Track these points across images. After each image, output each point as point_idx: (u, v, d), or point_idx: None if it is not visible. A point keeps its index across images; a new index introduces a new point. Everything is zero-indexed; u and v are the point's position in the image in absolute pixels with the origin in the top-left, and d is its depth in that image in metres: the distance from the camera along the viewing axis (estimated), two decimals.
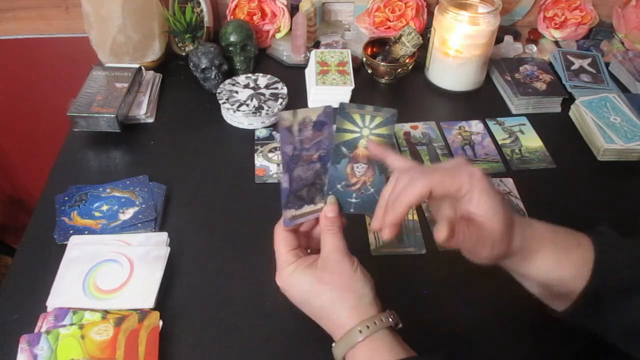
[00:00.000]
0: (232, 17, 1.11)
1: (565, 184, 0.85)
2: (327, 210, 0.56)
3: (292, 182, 0.55)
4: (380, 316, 0.52)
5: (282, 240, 0.57)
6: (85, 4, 0.97)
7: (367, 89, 1.04)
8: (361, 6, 1.15)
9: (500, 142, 0.92)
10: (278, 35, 1.12)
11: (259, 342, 0.63)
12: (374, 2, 1.12)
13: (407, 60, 1.03)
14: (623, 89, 1.04)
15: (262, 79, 0.98)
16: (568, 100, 0.99)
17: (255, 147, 0.89)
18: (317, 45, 1.13)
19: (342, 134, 0.55)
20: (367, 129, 0.56)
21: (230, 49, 1.03)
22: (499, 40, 1.09)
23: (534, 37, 1.17)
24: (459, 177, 0.50)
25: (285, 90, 0.96)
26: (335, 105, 0.56)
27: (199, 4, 1.06)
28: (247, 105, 0.92)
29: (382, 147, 0.56)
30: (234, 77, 0.98)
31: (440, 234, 0.49)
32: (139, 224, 0.74)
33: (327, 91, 0.96)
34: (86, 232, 0.73)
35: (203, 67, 0.97)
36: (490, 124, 0.96)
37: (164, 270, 0.69)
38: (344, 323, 0.52)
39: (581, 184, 0.85)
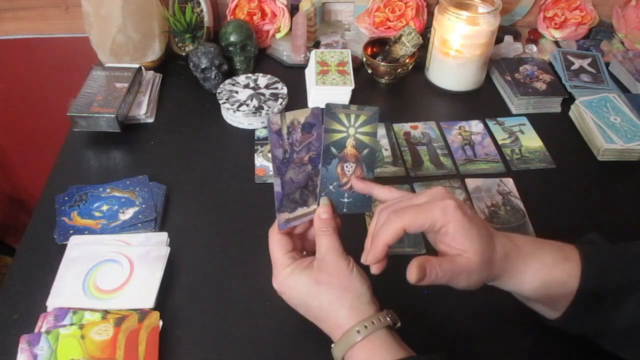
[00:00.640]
0: (232, 17, 1.11)
1: (565, 184, 0.85)
2: (321, 211, 0.56)
3: (285, 185, 0.55)
4: (379, 316, 0.52)
5: (277, 244, 0.57)
6: (85, 4, 0.97)
7: (367, 89, 1.04)
8: (361, 6, 1.15)
9: (500, 142, 0.92)
10: (278, 35, 1.12)
11: (259, 342, 0.63)
12: (374, 2, 1.12)
13: (407, 60, 1.03)
14: (623, 89, 1.04)
15: (262, 79, 0.98)
16: (568, 100, 0.99)
17: (255, 147, 0.89)
18: (317, 45, 1.13)
19: (330, 134, 0.55)
20: (353, 128, 0.56)
21: (230, 49, 1.03)
22: (499, 40, 1.09)
23: (534, 37, 1.17)
24: (431, 212, 0.51)
25: (285, 90, 0.96)
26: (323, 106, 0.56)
27: (199, 4, 1.06)
28: (247, 105, 0.92)
29: (366, 183, 0.57)
30: (234, 77, 0.98)
31: (411, 275, 0.50)
32: (139, 224, 0.74)
33: (327, 91, 0.96)
34: (86, 232, 0.73)
35: (203, 67, 0.97)
36: (490, 124, 0.96)
37: (164, 270, 0.69)
38: (342, 323, 0.52)
39: (581, 184, 0.85)
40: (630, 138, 0.88)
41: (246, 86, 0.97)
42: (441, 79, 1.04)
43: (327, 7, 1.17)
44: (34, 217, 0.78)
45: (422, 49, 1.04)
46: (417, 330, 0.54)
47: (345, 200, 0.57)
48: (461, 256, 0.50)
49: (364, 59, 1.04)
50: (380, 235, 0.52)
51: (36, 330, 0.62)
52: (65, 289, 0.66)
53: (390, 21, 1.13)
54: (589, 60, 1.07)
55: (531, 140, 0.92)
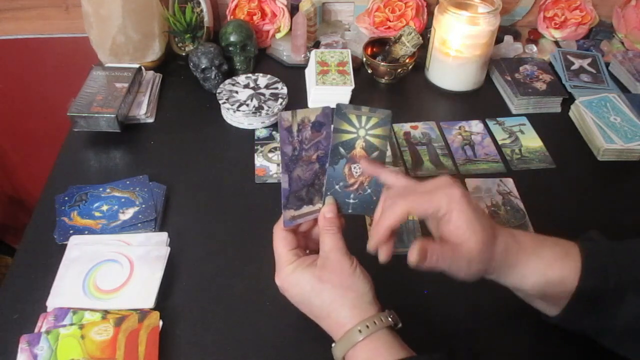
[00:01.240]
0: (232, 17, 1.11)
1: (565, 184, 0.85)
2: (326, 210, 0.56)
3: (292, 182, 0.55)
4: (380, 316, 0.52)
5: (281, 240, 0.57)
6: (85, 4, 0.97)
7: (367, 89, 1.04)
8: (361, 6, 1.15)
9: (500, 142, 0.92)
10: (278, 35, 1.12)
11: (259, 342, 0.63)
12: (374, 2, 1.12)
13: (407, 60, 1.03)
14: (623, 89, 1.04)
15: (262, 79, 0.98)
16: (568, 100, 0.99)
17: (255, 147, 0.89)
18: (317, 45, 1.13)
19: (339, 134, 0.55)
20: (363, 130, 0.56)
21: (230, 49, 1.03)
22: (499, 40, 1.09)
23: (534, 37, 1.17)
24: (436, 199, 0.51)
25: (285, 90, 0.96)
26: (334, 106, 0.56)
27: (199, 4, 1.06)
28: (247, 105, 0.92)
29: (374, 165, 0.56)
30: (234, 77, 0.98)
31: (412, 257, 0.51)
32: (139, 224, 0.74)
33: (327, 91, 0.96)
34: (86, 232, 0.73)
35: (203, 67, 0.97)
36: (490, 124, 0.96)
37: (164, 270, 0.69)
38: (344, 322, 0.52)
39: (581, 184, 0.85)
40: (630, 138, 0.88)
41: (246, 86, 0.97)
42: (441, 79, 1.04)
43: (327, 7, 1.17)
44: (34, 217, 0.78)
45: (422, 49, 1.04)
46: (417, 330, 0.54)
47: (351, 201, 0.57)
48: (462, 244, 0.51)
49: (364, 59, 1.04)
50: (384, 217, 0.52)
51: (36, 330, 0.62)
52: (65, 289, 0.66)
53: (390, 21, 1.13)
54: (589, 60, 1.07)
55: (531, 140, 0.92)
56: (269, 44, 1.13)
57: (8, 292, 0.68)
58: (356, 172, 0.57)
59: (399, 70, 1.02)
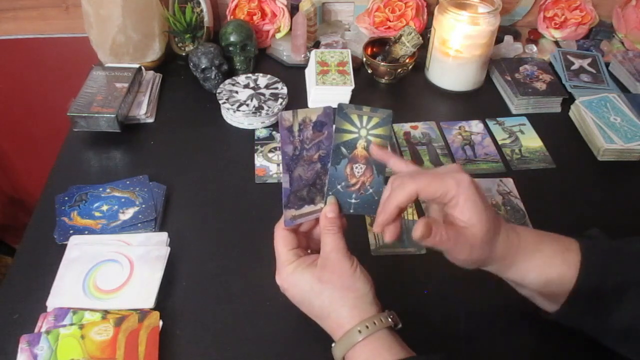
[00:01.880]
0: (232, 17, 1.11)
1: (565, 184, 0.85)
2: (327, 210, 0.56)
3: (293, 182, 0.55)
4: (380, 316, 0.52)
5: (282, 240, 0.57)
6: (85, 4, 0.97)
7: (367, 89, 1.04)
8: (361, 6, 1.15)
9: (500, 142, 0.92)
10: (278, 35, 1.12)
11: (259, 342, 0.63)
12: (374, 2, 1.12)
13: (407, 60, 1.03)
14: (623, 89, 1.04)
15: (262, 79, 0.98)
16: (568, 100, 0.99)
17: (255, 147, 0.89)
18: (317, 45, 1.13)
19: (341, 134, 0.55)
20: (364, 130, 0.56)
21: (230, 49, 1.03)
22: (499, 40, 1.09)
23: (534, 37, 1.17)
24: (446, 182, 0.51)
25: (285, 90, 0.96)
26: (335, 106, 0.56)
27: (199, 4, 1.06)
28: (247, 105, 0.92)
29: (384, 151, 0.56)
30: (234, 77, 0.98)
31: (417, 231, 0.51)
32: (139, 224, 0.74)
33: (327, 91, 0.96)
34: (86, 232, 0.73)
35: (203, 67, 0.97)
36: (490, 124, 0.96)
37: (164, 270, 0.69)
38: (343, 323, 0.52)
39: (581, 184, 0.85)
40: (630, 138, 0.88)
41: (246, 86, 0.97)
42: (441, 79, 1.04)
43: (327, 7, 1.17)
44: (34, 217, 0.78)
45: (422, 49, 1.03)
46: (417, 330, 0.54)
47: (353, 201, 0.57)
48: (467, 229, 0.51)
49: (364, 59, 1.04)
50: (393, 196, 0.52)
51: (36, 330, 0.62)
52: (65, 289, 0.66)
53: (390, 21, 1.13)
54: (589, 60, 1.07)
55: (531, 140, 0.92)
56: (269, 44, 1.13)
57: (8, 292, 0.68)
58: (358, 172, 0.57)
59: (399, 70, 1.02)
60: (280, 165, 0.55)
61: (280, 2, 1.09)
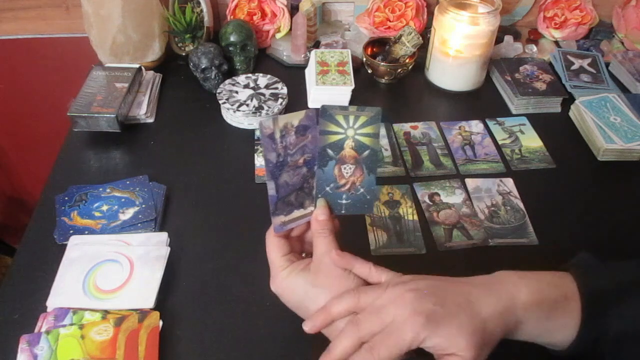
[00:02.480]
0: (232, 17, 1.11)
1: (565, 184, 0.85)
2: (318, 213, 0.56)
3: (279, 188, 0.54)
4: None
5: (274, 247, 0.56)
6: (85, 4, 0.97)
7: (367, 89, 1.04)
8: (361, 6, 1.15)
9: (500, 142, 0.92)
10: (278, 35, 1.12)
11: (259, 342, 0.63)
12: (374, 2, 1.12)
13: (407, 60, 1.03)
14: (623, 89, 1.04)
15: (262, 79, 0.98)
16: (568, 100, 0.99)
17: (255, 147, 0.89)
18: (317, 45, 1.13)
19: (326, 136, 0.55)
20: (352, 130, 0.55)
21: (230, 49, 1.03)
22: (499, 40, 1.09)
23: (534, 37, 1.17)
24: (402, 336, 0.46)
25: (285, 90, 0.96)
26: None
27: (199, 4, 1.06)
28: (247, 105, 0.92)
29: (347, 259, 0.53)
30: (234, 77, 0.98)
31: None
32: (139, 224, 0.74)
33: (327, 91, 0.96)
34: (86, 232, 0.73)
35: (203, 67, 0.97)
36: (490, 124, 0.96)
37: (164, 270, 0.69)
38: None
39: (581, 184, 0.85)
40: (630, 138, 0.88)
41: (246, 86, 0.97)
42: (441, 79, 1.04)
43: (327, 7, 1.17)
44: (34, 217, 0.78)
45: (422, 49, 1.03)
46: None
47: (344, 201, 0.57)
48: (454, 355, 0.47)
49: (364, 59, 1.04)
50: (337, 346, 0.49)
51: (36, 330, 0.62)
52: (65, 289, 0.66)
53: (390, 21, 1.13)
54: (589, 60, 1.07)
55: (531, 140, 0.92)
56: (269, 44, 1.13)
57: (8, 292, 0.68)
58: (347, 173, 0.56)
59: (399, 70, 1.02)
60: (265, 173, 0.54)
61: (280, 2, 1.09)
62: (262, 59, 1.11)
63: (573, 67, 1.05)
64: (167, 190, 0.80)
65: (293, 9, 1.10)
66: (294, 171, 0.55)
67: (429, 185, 0.83)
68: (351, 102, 0.97)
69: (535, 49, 1.12)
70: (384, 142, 0.91)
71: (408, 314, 0.47)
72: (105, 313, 0.64)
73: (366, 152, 0.56)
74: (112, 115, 0.86)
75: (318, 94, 0.97)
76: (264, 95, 0.95)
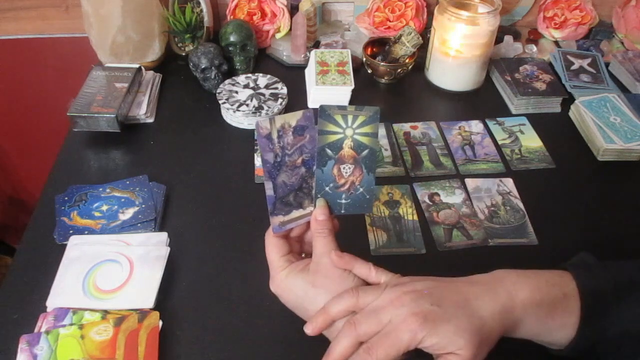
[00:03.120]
0: (232, 17, 1.11)
1: (565, 184, 0.85)
2: (317, 213, 0.56)
3: (277, 188, 0.54)
4: None
5: (273, 247, 0.56)
6: (85, 4, 0.97)
7: (367, 89, 1.04)
8: (361, 6, 1.15)
9: (500, 142, 0.92)
10: (278, 35, 1.12)
11: (259, 342, 0.63)
12: (374, 2, 1.12)
13: (407, 60, 1.03)
14: (623, 89, 1.04)
15: (262, 79, 0.98)
16: (568, 100, 0.99)
17: (255, 147, 0.89)
18: (317, 45, 1.13)
19: (325, 136, 0.55)
20: (350, 129, 0.55)
21: (230, 49, 1.03)
22: (499, 40, 1.09)
23: (534, 37, 1.17)
24: (399, 337, 0.46)
25: (285, 90, 0.96)
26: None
27: (199, 4, 1.06)
28: (247, 105, 0.92)
29: (346, 259, 0.53)
30: (233, 77, 0.98)
31: None
32: (139, 224, 0.74)
33: (327, 91, 0.96)
34: (86, 232, 0.73)
35: (203, 67, 0.97)
36: (490, 124, 0.96)
37: (164, 270, 0.69)
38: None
39: (581, 184, 0.85)
40: (630, 138, 0.88)
41: (246, 86, 0.97)
42: (441, 79, 1.04)
43: (327, 7, 1.17)
44: (34, 217, 0.78)
45: (422, 49, 1.04)
46: None
47: (343, 201, 0.57)
48: (453, 354, 0.47)
49: (364, 59, 1.04)
50: (338, 344, 0.49)
51: (36, 330, 0.62)
52: (65, 289, 0.66)
53: (390, 21, 1.13)
54: (588, 60, 1.07)
55: (531, 140, 0.92)
56: (269, 44, 1.13)
57: (8, 292, 0.68)
58: (346, 173, 0.56)
59: (399, 70, 1.02)
60: (262, 173, 0.54)
61: (280, 2, 1.09)
62: (262, 59, 1.11)
63: (573, 67, 1.05)
64: (167, 190, 0.80)
65: (293, 9, 1.10)
66: (292, 171, 0.55)
67: (429, 185, 0.83)
68: (351, 102, 0.97)
69: (535, 49, 1.12)
70: (384, 142, 0.91)
71: (406, 315, 0.47)
72: (105, 313, 0.64)
73: (365, 152, 0.56)
74: (112, 115, 0.86)
75: (318, 94, 0.97)
76: (263, 95, 0.95)
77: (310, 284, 0.53)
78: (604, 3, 1.16)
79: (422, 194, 0.82)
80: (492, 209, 0.80)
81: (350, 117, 0.55)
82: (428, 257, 0.73)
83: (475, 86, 1.04)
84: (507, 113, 0.99)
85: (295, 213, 0.56)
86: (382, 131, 0.93)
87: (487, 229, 0.77)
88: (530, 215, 0.79)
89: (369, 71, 1.05)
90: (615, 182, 0.86)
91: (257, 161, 0.87)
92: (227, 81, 0.98)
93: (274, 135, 0.53)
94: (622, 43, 1.14)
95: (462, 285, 0.50)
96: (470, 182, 0.84)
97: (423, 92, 1.05)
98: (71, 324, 0.62)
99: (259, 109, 0.92)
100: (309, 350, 0.61)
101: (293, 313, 0.57)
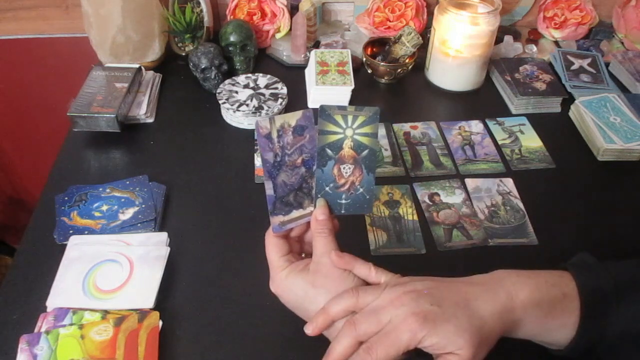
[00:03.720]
0: (232, 17, 1.11)
1: (565, 184, 0.85)
2: (318, 213, 0.56)
3: (277, 188, 0.54)
4: None
5: (273, 247, 0.56)
6: (85, 4, 0.97)
7: (367, 89, 1.04)
8: (361, 6, 1.15)
9: (500, 142, 0.92)
10: (278, 35, 1.12)
11: (259, 342, 0.63)
12: (374, 2, 1.12)
13: (407, 60, 1.03)
14: (623, 89, 1.04)
15: (262, 79, 0.98)
16: (568, 100, 0.99)
17: (255, 147, 0.89)
18: (317, 45, 1.13)
19: (325, 136, 0.55)
20: (350, 130, 0.55)
21: (230, 49, 1.03)
22: (499, 40, 1.09)
23: (534, 37, 1.17)
24: (399, 337, 0.46)
25: (285, 90, 0.96)
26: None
27: (198, 4, 1.06)
28: (247, 105, 0.92)
29: (346, 259, 0.53)
30: (233, 77, 0.98)
31: None
32: (139, 224, 0.74)
33: (327, 91, 0.96)
34: (86, 232, 0.73)
35: (203, 67, 0.97)
36: (490, 124, 0.96)
37: (164, 270, 0.69)
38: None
39: (581, 183, 0.85)
40: (630, 138, 0.88)
41: (246, 86, 0.97)
42: (441, 79, 1.04)
43: (327, 7, 1.17)
44: (34, 217, 0.78)
45: (422, 49, 1.04)
46: None
47: (343, 201, 0.57)
48: (452, 354, 0.46)
49: (364, 59, 1.04)
50: (339, 343, 0.49)
51: (36, 330, 0.62)
52: (65, 289, 0.66)
53: (390, 21, 1.13)
54: (588, 60, 1.07)
55: (531, 140, 0.92)
56: (268, 44, 1.13)
57: (8, 292, 0.68)
58: (346, 173, 0.56)
59: (399, 70, 1.02)
60: (262, 173, 0.54)
61: (280, 2, 1.09)
62: (262, 59, 1.11)
63: (573, 67, 1.05)
64: (166, 190, 0.80)
65: (293, 9, 1.10)
66: (292, 171, 0.55)
67: (429, 185, 0.83)
68: (351, 102, 0.97)
69: (535, 49, 1.12)
70: (384, 142, 0.91)
71: (405, 314, 0.47)
72: (105, 313, 0.64)
73: (365, 152, 0.56)
74: (112, 115, 0.86)
75: (318, 94, 0.97)
76: (263, 95, 0.95)
77: (310, 284, 0.53)
78: (604, 3, 1.16)
79: (422, 194, 0.82)
80: (492, 209, 0.80)
81: (350, 117, 0.55)
82: (428, 257, 0.73)
83: (475, 86, 1.04)
84: (507, 113, 0.99)
85: (295, 213, 0.56)
86: (382, 131, 0.93)
87: (487, 229, 0.77)
88: (530, 215, 0.79)
89: (369, 71, 1.05)
90: (615, 182, 0.86)
91: (257, 161, 0.87)
92: (227, 81, 0.98)
93: (274, 135, 0.53)
94: (622, 43, 1.15)
95: (462, 286, 0.50)
96: (470, 182, 0.84)
97: (423, 92, 1.05)
98: (71, 324, 0.62)
99: (259, 109, 0.92)
100: (309, 350, 0.61)
101: (293, 313, 0.57)
